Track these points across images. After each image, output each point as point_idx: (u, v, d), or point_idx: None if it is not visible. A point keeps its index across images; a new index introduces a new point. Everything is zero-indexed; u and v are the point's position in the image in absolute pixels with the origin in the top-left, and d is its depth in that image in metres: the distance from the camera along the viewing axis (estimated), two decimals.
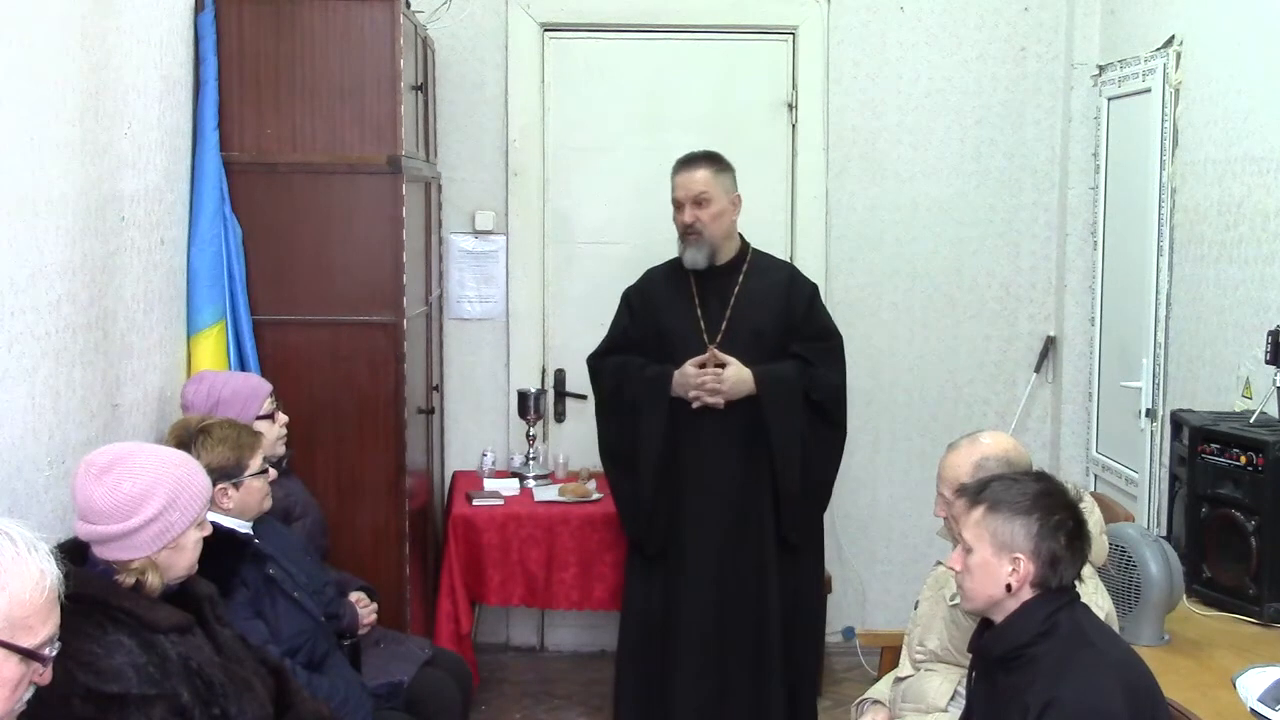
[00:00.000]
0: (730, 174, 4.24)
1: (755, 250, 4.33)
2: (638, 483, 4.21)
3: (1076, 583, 2.55)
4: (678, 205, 4.20)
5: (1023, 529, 2.48)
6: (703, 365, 4.13)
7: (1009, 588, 2.49)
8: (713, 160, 4.22)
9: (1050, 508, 2.51)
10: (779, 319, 4.22)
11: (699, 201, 4.16)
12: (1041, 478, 2.61)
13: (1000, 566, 2.49)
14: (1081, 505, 2.99)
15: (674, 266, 4.32)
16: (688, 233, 4.18)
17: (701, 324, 4.21)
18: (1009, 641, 2.49)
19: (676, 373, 4.15)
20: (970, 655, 2.69)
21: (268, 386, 3.51)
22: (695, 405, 4.13)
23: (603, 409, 4.36)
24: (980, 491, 2.56)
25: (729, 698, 4.17)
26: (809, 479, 4.20)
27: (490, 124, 5.24)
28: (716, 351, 4.13)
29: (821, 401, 4.18)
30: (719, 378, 4.11)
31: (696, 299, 4.24)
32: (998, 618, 2.54)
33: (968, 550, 2.53)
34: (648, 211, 5.13)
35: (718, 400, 4.11)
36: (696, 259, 4.20)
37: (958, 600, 2.75)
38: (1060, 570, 2.49)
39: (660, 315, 4.28)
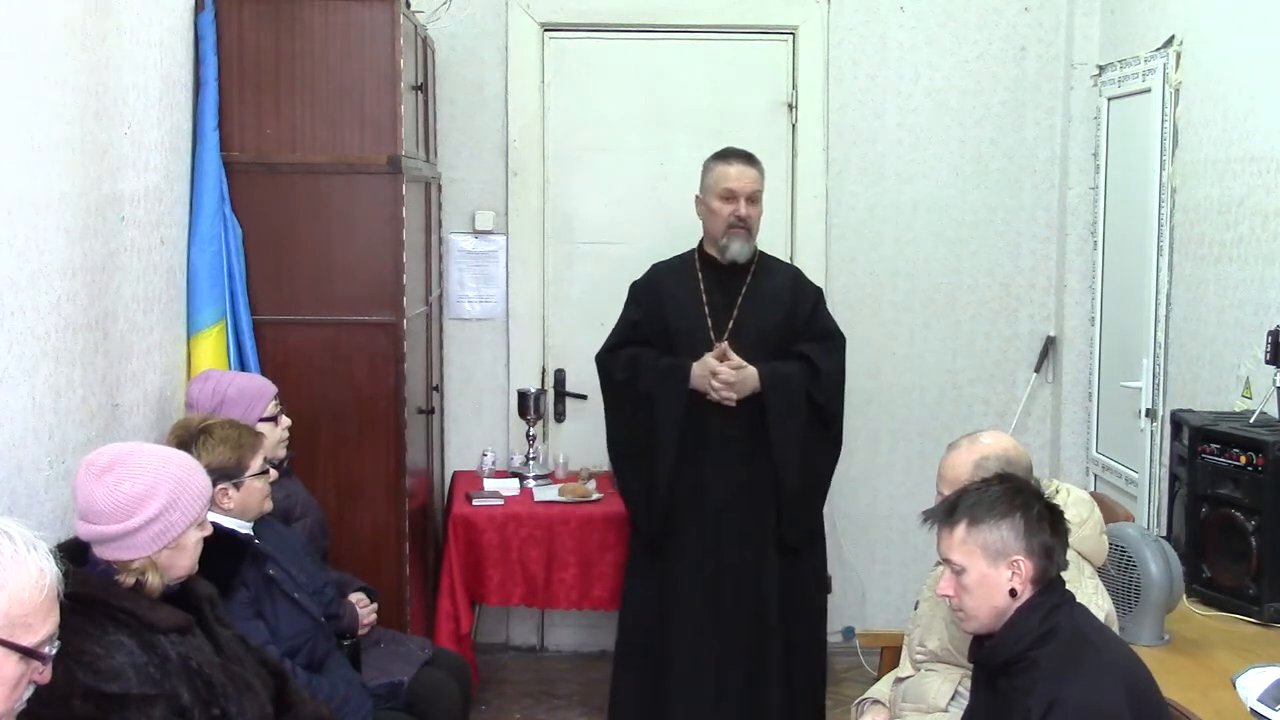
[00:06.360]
0: None
1: (762, 251, 4.31)
2: (654, 475, 4.15)
3: (1077, 583, 2.55)
4: (730, 197, 4.16)
5: (1011, 530, 2.48)
6: (721, 358, 4.11)
7: (1013, 592, 2.48)
8: (759, 161, 4.26)
9: (1027, 502, 2.51)
10: (784, 320, 4.21)
11: (753, 198, 4.18)
12: (1002, 478, 2.61)
13: (999, 575, 2.48)
14: (1056, 496, 3.02)
15: (682, 262, 4.30)
16: (739, 225, 4.17)
17: (709, 321, 4.20)
18: (1010, 648, 2.47)
19: (696, 364, 4.13)
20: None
21: (273, 389, 3.50)
22: (711, 397, 4.10)
23: (614, 403, 4.30)
24: (953, 510, 2.54)
25: (725, 698, 4.16)
26: (805, 479, 4.18)
27: (490, 124, 5.24)
28: (727, 348, 4.11)
29: (824, 404, 4.17)
30: (739, 371, 4.08)
31: (705, 296, 4.24)
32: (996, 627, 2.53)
33: (959, 571, 2.51)
34: (648, 211, 5.15)
35: (731, 394, 4.10)
36: (743, 252, 4.19)
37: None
38: (1055, 558, 2.50)
39: (667, 312, 4.26)
